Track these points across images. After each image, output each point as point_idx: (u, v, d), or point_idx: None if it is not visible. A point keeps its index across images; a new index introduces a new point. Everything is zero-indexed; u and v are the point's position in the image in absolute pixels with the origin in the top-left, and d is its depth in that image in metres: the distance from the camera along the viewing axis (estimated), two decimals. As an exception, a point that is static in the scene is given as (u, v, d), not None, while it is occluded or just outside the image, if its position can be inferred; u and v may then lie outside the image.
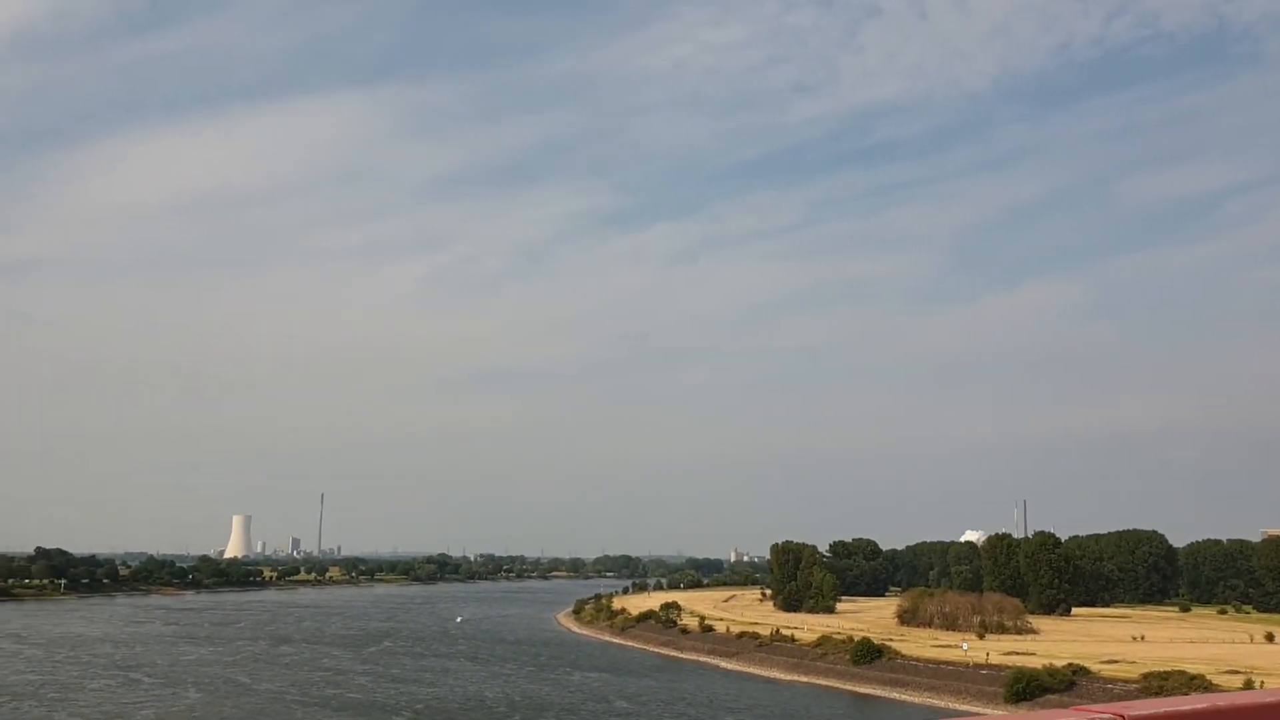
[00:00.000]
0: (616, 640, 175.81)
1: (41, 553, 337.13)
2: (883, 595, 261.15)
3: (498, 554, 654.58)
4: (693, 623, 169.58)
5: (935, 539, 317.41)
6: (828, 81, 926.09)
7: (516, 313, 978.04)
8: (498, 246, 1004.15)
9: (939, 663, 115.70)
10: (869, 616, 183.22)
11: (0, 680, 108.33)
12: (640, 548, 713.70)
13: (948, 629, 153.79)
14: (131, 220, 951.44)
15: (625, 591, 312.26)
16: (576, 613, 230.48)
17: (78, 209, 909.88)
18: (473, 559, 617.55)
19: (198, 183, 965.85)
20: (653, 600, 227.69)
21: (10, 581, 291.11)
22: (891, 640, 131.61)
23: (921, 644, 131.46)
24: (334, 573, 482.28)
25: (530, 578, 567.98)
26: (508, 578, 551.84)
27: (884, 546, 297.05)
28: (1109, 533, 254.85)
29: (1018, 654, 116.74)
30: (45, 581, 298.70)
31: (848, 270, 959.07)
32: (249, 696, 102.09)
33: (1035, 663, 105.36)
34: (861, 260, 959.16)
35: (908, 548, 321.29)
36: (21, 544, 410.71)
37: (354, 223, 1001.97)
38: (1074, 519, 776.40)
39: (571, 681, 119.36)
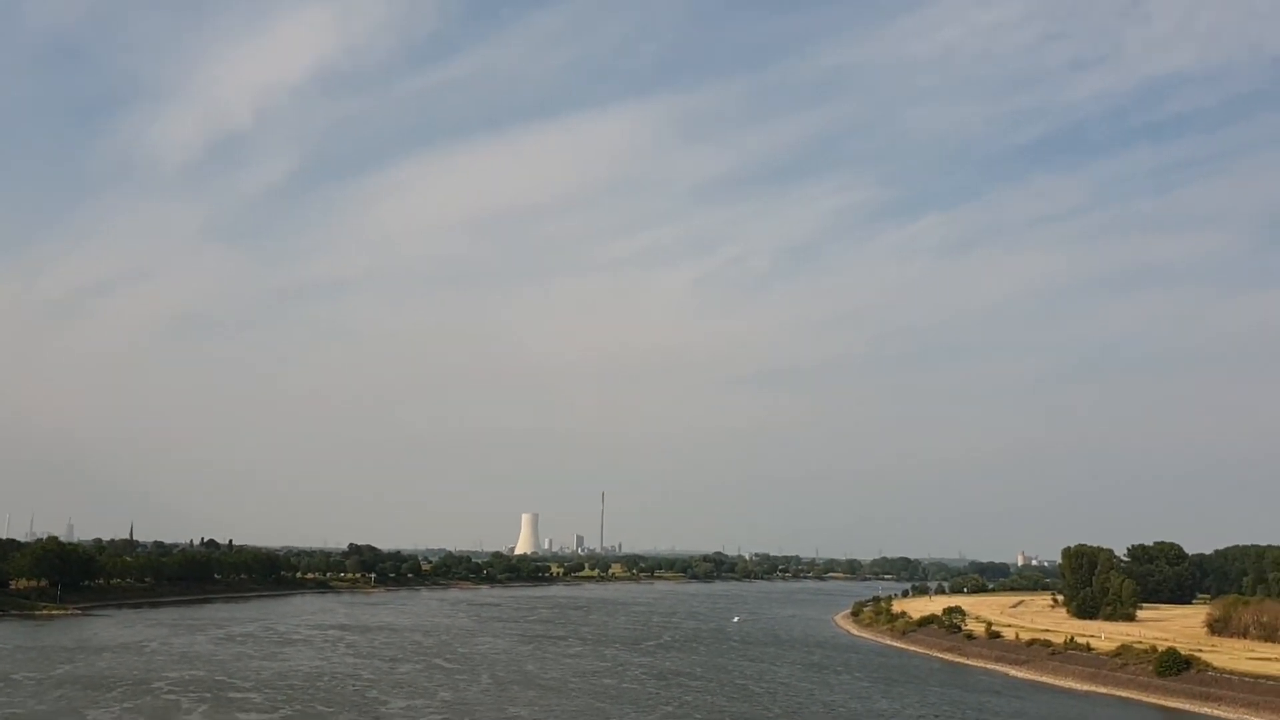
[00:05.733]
0: (896, 644, 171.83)
1: (354, 549, 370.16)
2: (1189, 603, 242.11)
3: (772, 553, 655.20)
4: (978, 628, 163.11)
5: (1249, 542, 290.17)
6: (1110, 55, 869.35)
7: (786, 312, 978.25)
8: (765, 246, 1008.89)
9: (1259, 677, 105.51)
10: (1173, 625, 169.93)
11: (327, 664, 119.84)
12: (919, 549, 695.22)
13: (1266, 640, 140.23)
14: (429, 239, 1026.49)
15: (904, 595, 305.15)
16: (855, 615, 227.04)
17: (380, 231, 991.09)
18: (748, 558, 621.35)
19: (486, 200, 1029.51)
20: (934, 604, 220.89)
21: (328, 575, 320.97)
22: (1201, 651, 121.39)
23: (1235, 656, 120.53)
24: (616, 569, 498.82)
25: (806, 578, 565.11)
26: (783, 578, 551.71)
27: (1189, 550, 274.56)
28: None
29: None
30: (358, 575, 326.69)
31: (1141, 254, 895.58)
32: (534, 684, 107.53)
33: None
34: (1155, 242, 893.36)
35: (1216, 552, 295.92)
36: (337, 540, 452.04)
37: (630, 231, 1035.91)
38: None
39: (839, 682, 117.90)
